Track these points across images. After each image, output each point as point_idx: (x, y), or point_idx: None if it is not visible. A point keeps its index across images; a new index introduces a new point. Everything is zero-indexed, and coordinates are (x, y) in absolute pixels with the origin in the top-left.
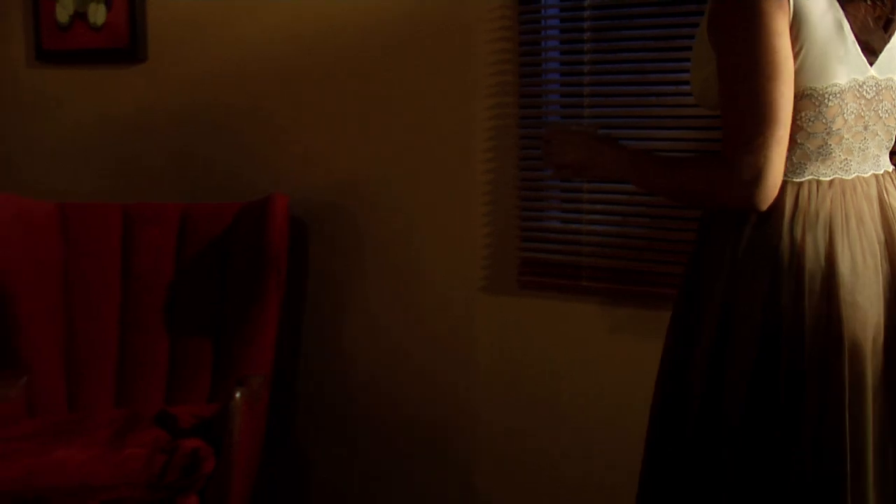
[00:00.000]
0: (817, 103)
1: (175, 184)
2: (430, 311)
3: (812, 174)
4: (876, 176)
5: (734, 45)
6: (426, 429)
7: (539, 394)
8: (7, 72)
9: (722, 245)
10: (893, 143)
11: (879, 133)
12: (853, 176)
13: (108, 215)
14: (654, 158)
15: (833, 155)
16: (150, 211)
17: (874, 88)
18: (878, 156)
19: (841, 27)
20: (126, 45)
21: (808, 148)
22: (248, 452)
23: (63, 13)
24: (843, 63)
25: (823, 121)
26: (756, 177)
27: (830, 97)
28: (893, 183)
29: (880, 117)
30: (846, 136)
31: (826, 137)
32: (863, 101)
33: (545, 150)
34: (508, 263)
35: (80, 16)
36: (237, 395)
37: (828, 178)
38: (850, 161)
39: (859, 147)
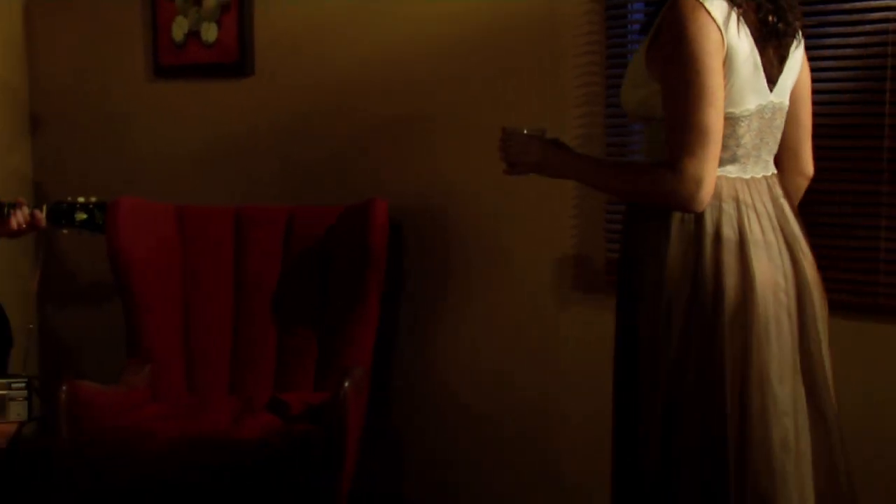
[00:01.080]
0: (733, 124)
1: (281, 188)
2: (519, 309)
3: (721, 172)
4: (765, 176)
5: (683, 77)
6: (514, 419)
7: None
8: (129, 86)
9: (657, 232)
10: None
11: (770, 143)
12: (749, 176)
13: (221, 217)
14: (604, 162)
15: (737, 160)
16: (259, 213)
17: (771, 110)
18: (767, 161)
19: (757, 67)
20: (235, 61)
21: (722, 157)
22: (353, 438)
23: (179, 32)
24: (754, 93)
25: (735, 137)
26: (698, 185)
27: (743, 119)
28: (777, 182)
29: (773, 132)
30: (748, 146)
31: (735, 149)
32: (763, 121)
33: (502, 149)
34: (595, 264)
35: (193, 34)
36: (346, 384)
37: (732, 176)
38: (747, 164)
39: (755, 154)
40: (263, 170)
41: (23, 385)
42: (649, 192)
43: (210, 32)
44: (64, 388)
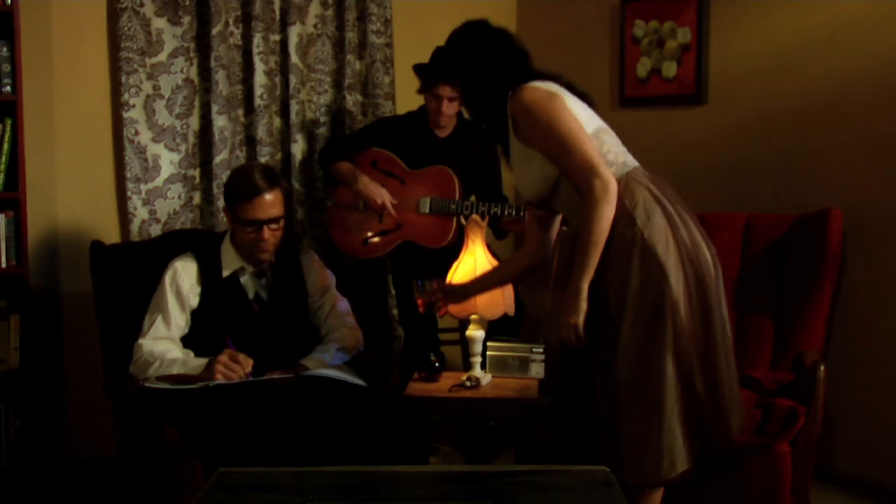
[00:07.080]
0: (598, 142)
1: (737, 197)
2: None
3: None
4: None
5: (556, 134)
6: None
7: None
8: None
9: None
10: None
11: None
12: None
13: None
14: (579, 256)
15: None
16: (721, 219)
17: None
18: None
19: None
20: (691, 92)
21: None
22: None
23: (642, 70)
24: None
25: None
26: (608, 185)
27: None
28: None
29: (616, 138)
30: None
31: (607, 156)
32: (609, 133)
33: (548, 342)
34: None
35: (655, 71)
36: (821, 367)
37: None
38: (627, 161)
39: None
40: (717, 181)
41: (541, 350)
42: (601, 216)
43: (670, 69)
44: None
